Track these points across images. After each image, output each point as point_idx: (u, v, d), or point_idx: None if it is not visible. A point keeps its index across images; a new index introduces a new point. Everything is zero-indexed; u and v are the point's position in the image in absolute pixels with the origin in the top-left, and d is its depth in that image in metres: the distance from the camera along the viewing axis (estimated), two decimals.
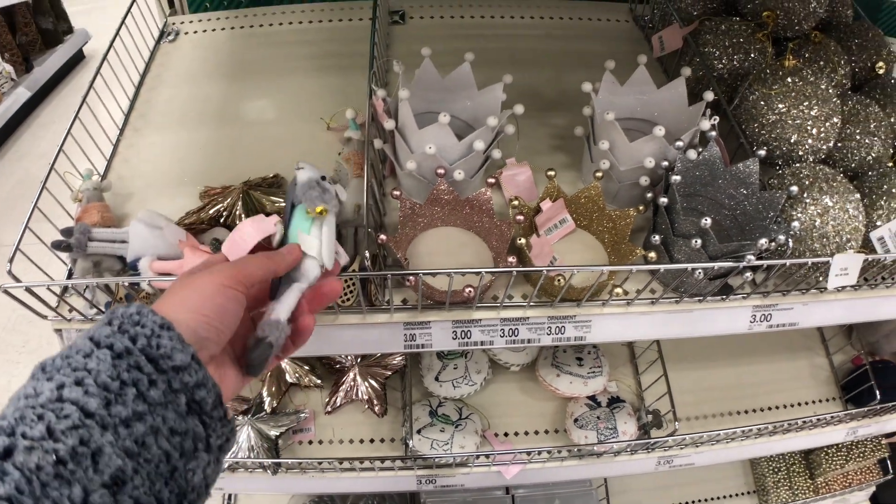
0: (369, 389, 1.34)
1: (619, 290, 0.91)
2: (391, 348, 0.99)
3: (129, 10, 1.24)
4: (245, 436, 1.30)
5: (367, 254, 0.86)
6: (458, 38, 1.34)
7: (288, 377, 1.37)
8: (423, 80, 1.03)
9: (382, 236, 0.88)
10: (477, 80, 1.02)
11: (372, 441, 1.33)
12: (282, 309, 0.63)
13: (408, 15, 1.38)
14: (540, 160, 1.10)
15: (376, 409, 1.34)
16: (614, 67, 1.04)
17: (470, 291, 0.87)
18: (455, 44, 1.31)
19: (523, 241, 0.90)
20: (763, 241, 0.86)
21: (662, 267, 0.89)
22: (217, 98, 1.24)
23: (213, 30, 1.36)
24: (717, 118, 0.98)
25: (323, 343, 0.98)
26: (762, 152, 0.98)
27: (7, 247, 0.98)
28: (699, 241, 0.88)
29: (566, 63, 1.31)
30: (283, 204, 0.95)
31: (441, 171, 0.95)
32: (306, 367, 1.37)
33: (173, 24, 1.38)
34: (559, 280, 0.89)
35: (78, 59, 3.29)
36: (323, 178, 0.72)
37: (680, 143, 0.95)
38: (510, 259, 0.88)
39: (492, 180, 0.97)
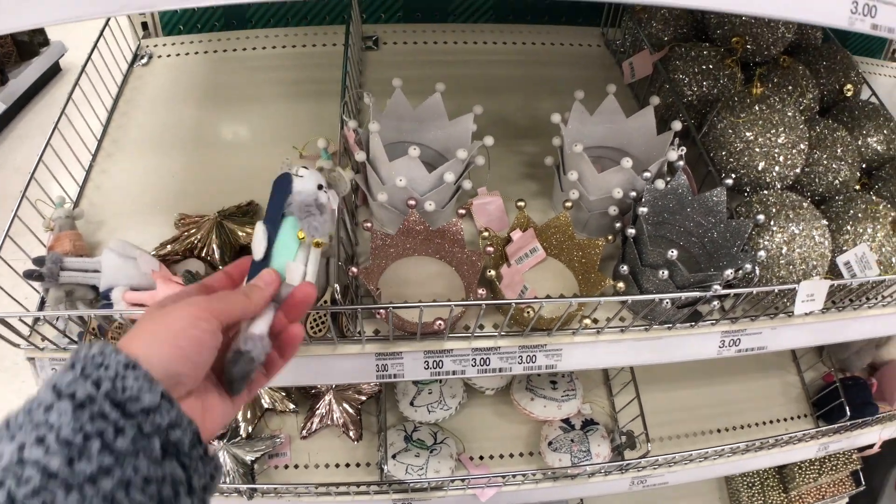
0: (344, 414, 1.35)
1: (587, 320, 0.92)
2: (363, 378, 1.00)
3: (101, 34, 1.24)
4: (220, 461, 1.30)
5: (337, 287, 0.87)
6: (432, 64, 1.35)
7: (264, 402, 1.37)
8: (395, 110, 1.04)
9: (353, 269, 0.88)
10: (449, 107, 1.03)
11: (348, 466, 1.33)
12: (259, 323, 0.61)
13: (381, 40, 1.39)
14: (511, 189, 1.12)
15: (351, 434, 1.34)
16: (584, 96, 1.06)
17: (440, 324, 0.88)
18: (428, 70, 1.32)
19: (493, 273, 0.91)
20: (729, 272, 0.88)
21: (630, 298, 0.91)
22: (190, 123, 1.24)
23: (187, 53, 1.36)
24: (685, 149, 1.00)
25: (294, 373, 0.99)
26: (729, 181, 1.00)
27: None
28: (666, 273, 0.89)
29: (538, 89, 1.32)
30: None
31: (412, 202, 0.96)
32: (282, 393, 1.37)
33: (147, 46, 1.38)
34: (529, 311, 0.90)
35: (54, 71, 3.26)
36: (320, 186, 0.71)
37: (647, 174, 0.97)
38: (480, 291, 0.89)
39: (462, 211, 0.98)
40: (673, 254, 0.88)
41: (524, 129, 1.23)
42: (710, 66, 1.22)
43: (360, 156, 0.96)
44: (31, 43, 3.10)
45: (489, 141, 0.98)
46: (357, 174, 1.02)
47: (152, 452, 0.45)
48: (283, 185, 0.70)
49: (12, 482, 0.40)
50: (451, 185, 0.97)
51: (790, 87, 1.24)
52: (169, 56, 1.36)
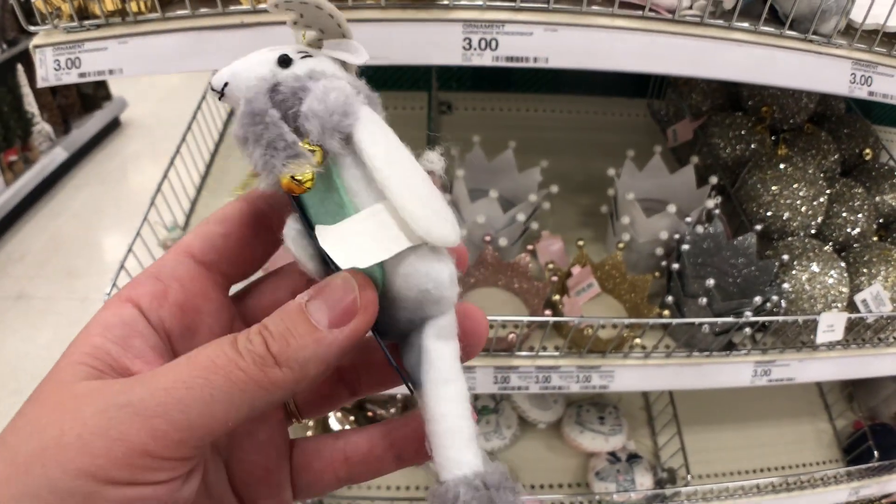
0: None
1: (637, 340, 1.15)
2: None
3: (199, 106, 1.53)
4: None
5: None
6: (497, 127, 1.62)
7: (331, 424, 1.59)
8: (473, 162, 1.30)
9: None
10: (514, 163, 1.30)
11: (407, 488, 1.53)
12: (459, 434, 0.35)
13: (454, 106, 1.67)
14: (569, 233, 1.36)
15: None
16: (634, 155, 1.31)
17: (513, 337, 1.11)
18: (494, 132, 1.57)
19: (558, 297, 1.15)
20: (758, 299, 1.11)
21: (674, 321, 1.13)
22: None
23: None
24: (721, 198, 1.24)
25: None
26: (758, 227, 1.24)
27: (38, 299, 1.21)
28: (705, 300, 1.12)
29: (591, 152, 1.58)
30: None
31: (488, 237, 1.20)
32: (351, 417, 1.59)
33: None
34: (588, 330, 1.13)
35: (115, 125, 3.61)
36: (284, 58, 0.37)
37: (689, 219, 1.21)
38: (547, 312, 1.12)
39: (530, 247, 1.23)
40: (710, 282, 1.11)
41: (580, 185, 1.48)
42: (743, 132, 1.48)
43: (446, 197, 1.22)
44: (94, 96, 3.45)
45: (555, 188, 1.23)
46: None
47: None
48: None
49: None
50: (520, 225, 1.22)
51: (813, 151, 1.49)
52: None
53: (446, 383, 0.36)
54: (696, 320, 1.12)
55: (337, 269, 0.34)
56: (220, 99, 0.37)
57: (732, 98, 1.61)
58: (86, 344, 0.33)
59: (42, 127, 3.16)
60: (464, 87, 1.73)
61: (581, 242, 1.23)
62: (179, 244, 0.38)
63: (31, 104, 3.09)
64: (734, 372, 1.26)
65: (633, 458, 1.55)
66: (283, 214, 0.37)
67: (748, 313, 1.10)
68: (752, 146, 1.46)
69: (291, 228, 0.36)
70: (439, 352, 0.36)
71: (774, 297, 1.14)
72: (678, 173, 1.31)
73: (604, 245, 1.37)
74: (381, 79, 1.71)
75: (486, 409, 1.60)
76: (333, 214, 0.35)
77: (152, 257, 1.25)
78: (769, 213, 1.29)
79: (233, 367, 0.31)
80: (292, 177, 0.33)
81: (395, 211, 0.35)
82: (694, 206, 1.28)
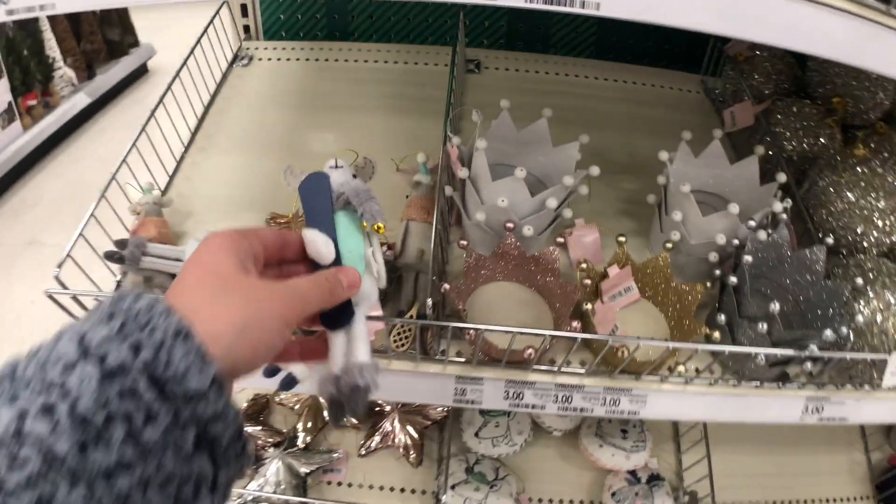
0: (407, 437, 1.31)
1: (682, 367, 0.88)
2: (440, 401, 0.97)
3: (205, 30, 1.27)
4: (274, 469, 1.28)
5: (430, 301, 0.85)
6: (531, 92, 1.34)
7: (325, 414, 1.35)
8: (499, 131, 1.03)
9: (446, 285, 0.86)
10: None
11: (403, 490, 1.29)
12: (363, 348, 0.58)
13: (483, 65, 1.39)
14: (607, 223, 1.09)
15: (412, 458, 1.31)
16: (690, 139, 1.04)
17: (531, 353, 0.85)
18: (527, 98, 1.30)
19: (590, 306, 0.88)
20: (829, 333, 0.84)
21: (727, 348, 0.87)
22: (285, 127, 1.24)
23: (287, 59, 1.38)
24: (790, 201, 0.96)
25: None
26: (830, 240, 0.96)
27: (49, 247, 0.99)
28: (765, 326, 0.85)
29: (636, 128, 1.30)
30: None
31: (510, 224, 0.94)
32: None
33: (248, 49, 1.40)
34: (623, 351, 0.87)
35: (141, 72, 3.36)
36: (354, 175, 0.69)
37: (752, 223, 0.93)
38: (574, 324, 0.86)
39: (561, 239, 0.96)
40: (775, 307, 0.84)
41: (622, 166, 1.21)
42: (812, 124, 1.19)
43: (462, 172, 0.95)
44: (121, 42, 3.21)
45: (595, 171, 0.95)
46: (455, 192, 1.01)
47: (184, 447, 0.36)
48: (318, 183, 0.62)
49: (3, 462, 0.30)
50: (551, 212, 0.95)
51: (885, 155, 1.20)
52: (269, 60, 1.38)
53: (359, 339, 0.59)
54: (754, 350, 0.86)
55: (340, 262, 0.60)
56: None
57: (799, 83, 1.33)
58: (234, 252, 0.49)
59: (64, 72, 2.92)
60: (496, 44, 1.44)
61: (622, 238, 0.97)
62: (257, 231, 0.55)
63: (52, 49, 2.85)
64: (783, 407, 1.01)
65: (654, 479, 1.30)
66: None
67: (813, 347, 0.84)
68: (822, 140, 1.17)
69: (318, 234, 0.59)
70: (360, 325, 0.60)
71: (843, 330, 0.87)
72: (739, 164, 1.04)
73: (647, 241, 1.10)
74: (404, 30, 1.44)
75: (495, 410, 1.35)
76: (348, 238, 0.62)
77: (120, 220, 1.01)
78: (840, 224, 1.02)
79: (324, 285, 0.54)
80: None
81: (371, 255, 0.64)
82: (754, 205, 1.01)
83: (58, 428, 0.32)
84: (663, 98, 1.40)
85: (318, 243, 0.58)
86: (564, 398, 0.96)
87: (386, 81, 1.34)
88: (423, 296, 0.94)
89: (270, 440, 1.32)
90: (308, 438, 1.32)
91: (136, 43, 3.30)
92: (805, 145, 1.17)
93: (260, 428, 1.34)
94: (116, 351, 0.35)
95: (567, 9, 0.63)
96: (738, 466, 1.42)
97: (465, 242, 0.92)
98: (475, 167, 0.95)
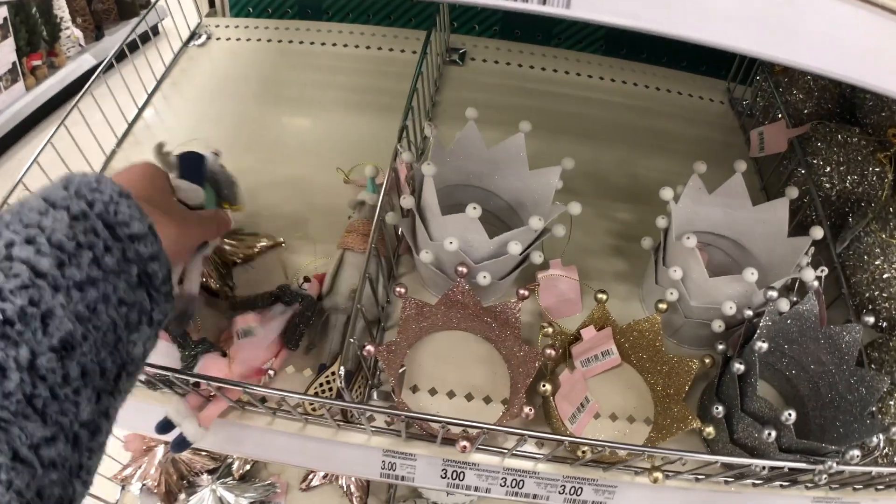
0: (351, 477, 1.13)
1: (657, 475, 0.67)
2: (364, 474, 0.79)
3: (153, 5, 1.08)
4: (205, 500, 1.11)
5: (342, 370, 0.65)
6: (523, 91, 1.11)
7: None
8: (464, 147, 0.81)
9: (369, 347, 0.66)
10: (534, 146, 0.79)
11: None
12: (194, 279, 0.65)
13: (469, 55, 1.16)
14: (592, 263, 0.87)
15: (356, 499, 1.12)
16: (704, 171, 0.81)
17: (465, 446, 0.64)
18: (518, 98, 1.08)
19: (547, 388, 0.67)
20: (856, 453, 0.62)
21: (722, 459, 0.65)
22: (234, 121, 1.04)
23: (249, 39, 1.17)
24: (825, 270, 0.73)
25: (283, 452, 0.77)
26: (870, 319, 0.73)
27: None
28: (773, 434, 0.63)
29: (643, 143, 1.07)
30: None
31: (463, 269, 0.73)
32: None
33: (207, 26, 1.19)
34: (582, 452, 0.66)
35: (153, 34, 3.18)
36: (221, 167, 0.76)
37: (772, 294, 0.71)
38: (527, 410, 0.65)
39: (525, 293, 0.74)
40: (791, 416, 0.62)
41: (620, 190, 0.98)
42: (859, 158, 0.94)
43: (406, 201, 0.74)
44: (132, 3, 3.01)
45: (575, 209, 0.74)
46: (404, 218, 0.80)
47: (130, 278, 0.44)
48: (198, 157, 0.72)
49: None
50: (514, 258, 0.74)
51: None
52: (229, 39, 1.17)
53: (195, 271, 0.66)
54: (754, 462, 0.64)
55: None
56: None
57: (846, 105, 1.07)
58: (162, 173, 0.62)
59: (71, 32, 2.72)
60: (489, 30, 1.20)
61: (603, 296, 0.75)
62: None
63: (61, 8, 2.65)
64: None
65: None
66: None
67: (832, 464, 0.63)
68: (869, 180, 0.93)
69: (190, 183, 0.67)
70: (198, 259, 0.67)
71: (875, 440, 0.65)
72: (764, 207, 0.81)
73: (638, 289, 0.88)
74: (384, 10, 1.21)
75: None
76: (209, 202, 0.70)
77: None
78: (885, 296, 0.79)
79: (217, 217, 0.67)
80: None
81: None
82: (777, 259, 0.79)
83: (40, 251, 0.39)
84: (679, 107, 1.16)
85: (189, 189, 0.66)
86: (514, 483, 0.76)
87: (355, 71, 1.12)
88: (349, 352, 0.73)
89: (206, 465, 1.14)
90: (245, 467, 1.14)
91: (147, 3, 3.10)
92: (848, 184, 0.92)
93: (191, 452, 1.16)
94: (76, 204, 0.42)
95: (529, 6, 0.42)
96: None
97: (402, 290, 0.71)
98: (424, 195, 0.73)
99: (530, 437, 0.63)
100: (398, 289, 0.72)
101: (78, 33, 2.76)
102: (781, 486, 0.75)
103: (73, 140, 0.91)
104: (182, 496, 1.14)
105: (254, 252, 0.83)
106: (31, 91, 2.58)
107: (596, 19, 0.42)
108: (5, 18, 2.42)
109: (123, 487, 1.21)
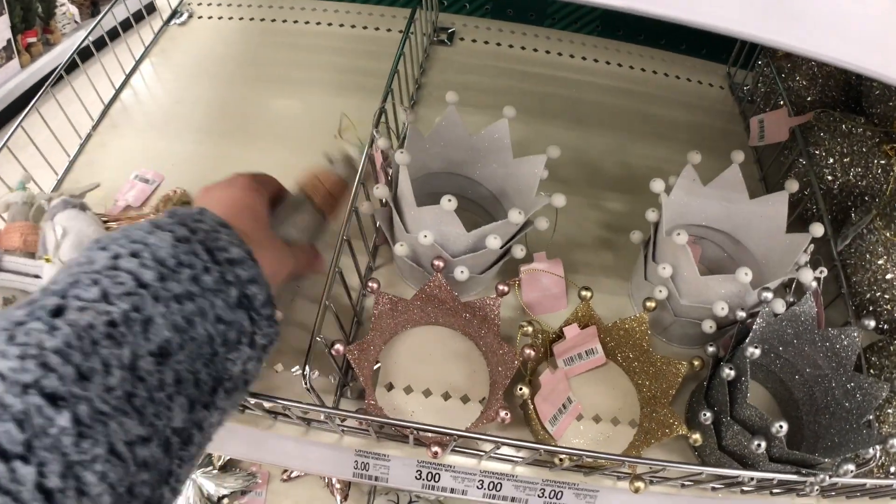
0: None
1: (639, 484, 0.62)
2: (336, 473, 0.74)
3: None
4: (186, 492, 1.07)
5: (307, 372, 0.60)
6: (513, 73, 1.05)
7: None
8: (445, 134, 0.76)
9: (339, 346, 0.62)
10: (521, 131, 0.75)
11: None
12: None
13: (458, 34, 1.10)
14: (578, 256, 0.82)
15: (337, 492, 1.08)
16: (698, 162, 0.75)
17: (436, 452, 0.60)
18: (506, 80, 1.02)
19: (525, 391, 0.62)
20: (850, 468, 0.58)
21: (708, 470, 0.61)
22: (213, 103, 0.99)
23: (231, 17, 1.11)
24: (825, 271, 0.68)
25: (254, 449, 0.73)
26: (871, 322, 0.68)
27: (37, 190, 0.81)
28: (763, 445, 0.59)
29: (637, 128, 1.01)
30: None
31: (440, 263, 0.68)
32: None
33: (189, 4, 1.13)
34: (560, 460, 0.61)
35: (149, 10, 3.11)
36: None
37: (767, 295, 0.66)
38: (503, 414, 0.61)
39: (504, 288, 0.69)
40: (782, 428, 0.58)
41: (610, 178, 0.92)
42: (863, 149, 0.88)
43: (380, 190, 0.69)
44: None
45: (559, 201, 0.68)
46: (381, 208, 0.75)
47: (229, 298, 0.45)
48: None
49: (107, 281, 0.40)
50: (494, 252, 0.69)
51: None
52: (210, 18, 1.11)
53: None
54: (744, 474, 0.60)
55: None
56: None
57: (851, 94, 1.01)
58: (261, 197, 0.59)
59: (67, 8, 2.66)
60: (480, 9, 1.14)
61: (587, 294, 0.70)
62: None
63: None
64: None
65: None
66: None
67: (824, 477, 0.58)
68: (873, 172, 0.87)
69: None
70: None
71: (871, 452, 0.60)
72: (762, 200, 0.76)
73: (626, 283, 0.83)
74: None
75: None
76: None
77: None
78: (886, 298, 0.73)
79: (310, 260, 0.66)
80: None
81: None
82: (773, 255, 0.74)
83: (144, 265, 0.42)
84: (677, 92, 1.09)
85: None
86: (492, 485, 0.71)
87: (341, 50, 1.06)
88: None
89: None
90: (226, 457, 1.10)
91: None
92: (851, 177, 0.87)
93: None
94: (180, 229, 0.45)
95: None
96: None
97: (374, 284, 0.67)
98: (400, 184, 0.68)
99: (503, 444, 0.58)
100: (371, 284, 0.67)
101: (73, 10, 2.69)
102: (772, 493, 0.71)
103: (47, 124, 0.85)
104: None
105: None
106: (26, 68, 2.53)
107: (590, 0, 0.38)
108: None
109: None
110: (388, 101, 0.79)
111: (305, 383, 0.60)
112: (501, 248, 0.68)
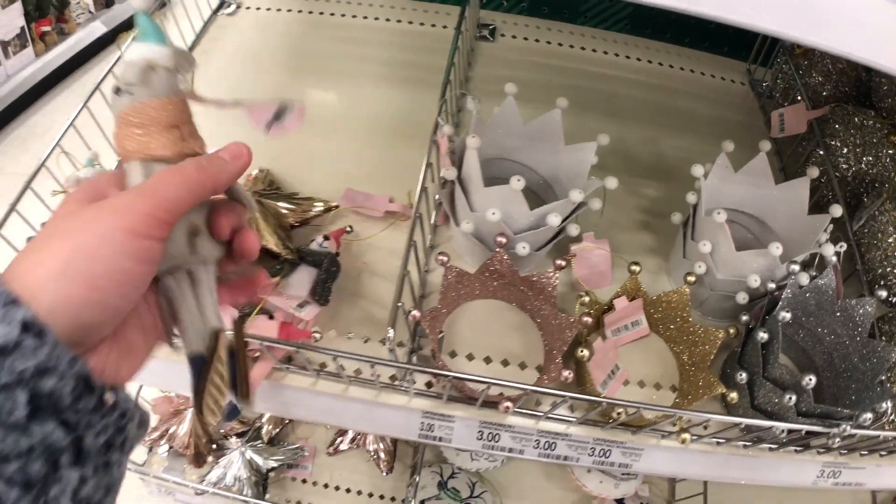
0: (379, 441, 1.17)
1: (685, 436, 0.71)
2: (403, 434, 0.81)
3: None
4: (234, 462, 1.14)
5: (391, 332, 0.68)
6: (551, 68, 1.13)
7: None
8: (502, 121, 0.84)
9: (415, 312, 0.70)
10: (563, 122, 0.83)
11: (371, 495, 1.16)
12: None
13: (498, 31, 1.18)
14: (622, 238, 0.91)
15: (382, 464, 1.16)
16: (731, 150, 0.84)
17: (507, 406, 0.68)
18: (545, 75, 1.10)
19: (584, 353, 0.71)
20: (868, 416, 0.67)
21: (744, 421, 0.70)
22: (266, 90, 1.06)
23: (279, 9, 1.18)
24: (844, 245, 0.77)
25: (326, 413, 0.81)
26: (883, 293, 0.77)
27: (53, 180, 0.85)
28: (793, 398, 0.68)
29: (666, 121, 1.09)
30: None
31: (502, 239, 0.76)
32: None
33: None
34: (617, 413, 0.70)
35: (163, 3, 3.16)
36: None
37: (794, 267, 0.74)
38: (566, 373, 0.69)
39: (562, 263, 0.78)
40: (811, 381, 0.67)
41: (646, 167, 1.01)
42: (874, 140, 0.97)
43: (449, 172, 0.77)
44: None
45: (611, 183, 0.77)
46: (442, 189, 0.83)
47: (12, 414, 0.29)
48: None
49: None
50: (553, 228, 0.77)
51: None
52: (259, 9, 1.18)
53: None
54: (776, 424, 0.68)
55: None
56: None
57: (863, 89, 1.10)
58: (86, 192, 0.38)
59: None
60: (517, 6, 1.22)
61: (636, 268, 0.78)
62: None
63: None
64: (796, 470, 0.84)
65: None
66: None
67: (847, 427, 0.67)
68: (883, 161, 0.96)
69: None
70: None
71: (884, 405, 0.69)
72: (786, 186, 0.85)
73: (665, 262, 0.92)
74: None
75: None
76: None
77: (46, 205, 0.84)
78: None
79: (189, 164, 0.42)
80: None
81: None
82: (797, 235, 0.82)
83: None
84: (701, 87, 1.18)
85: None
86: (547, 445, 0.79)
87: (387, 44, 1.14)
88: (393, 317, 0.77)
89: (233, 429, 1.18)
90: (274, 431, 1.18)
91: None
92: (864, 165, 0.96)
93: None
94: None
95: None
96: (737, 499, 1.26)
97: (444, 258, 0.75)
98: (466, 166, 0.76)
99: (571, 398, 0.66)
100: (441, 256, 0.75)
101: (88, 0, 2.74)
102: (795, 450, 0.80)
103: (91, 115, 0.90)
104: (210, 459, 1.18)
105: (309, 216, 0.85)
106: (41, 57, 2.57)
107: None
108: None
109: (151, 449, 1.24)
110: (446, 93, 0.87)
111: (389, 344, 0.68)
112: (558, 226, 0.76)
